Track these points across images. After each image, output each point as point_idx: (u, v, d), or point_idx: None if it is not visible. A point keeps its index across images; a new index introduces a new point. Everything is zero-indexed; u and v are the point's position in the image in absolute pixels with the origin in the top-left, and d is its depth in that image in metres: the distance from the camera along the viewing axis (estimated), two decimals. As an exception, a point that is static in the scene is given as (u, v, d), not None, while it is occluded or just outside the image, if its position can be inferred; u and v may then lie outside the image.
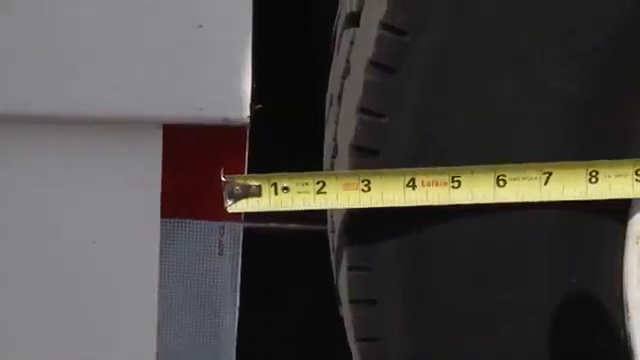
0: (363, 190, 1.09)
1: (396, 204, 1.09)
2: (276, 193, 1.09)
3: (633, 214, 1.14)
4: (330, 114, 1.26)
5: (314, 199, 1.09)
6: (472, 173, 1.08)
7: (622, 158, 1.09)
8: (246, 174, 1.16)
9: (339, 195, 1.09)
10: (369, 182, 1.09)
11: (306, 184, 1.09)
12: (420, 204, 1.09)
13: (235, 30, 1.10)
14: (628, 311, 1.16)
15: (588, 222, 1.14)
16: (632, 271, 1.15)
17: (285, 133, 1.42)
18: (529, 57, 1.08)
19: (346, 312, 1.23)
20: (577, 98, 1.09)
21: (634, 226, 1.14)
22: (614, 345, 1.19)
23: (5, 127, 1.15)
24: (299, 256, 1.56)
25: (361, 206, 1.10)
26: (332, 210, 1.24)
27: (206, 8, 1.09)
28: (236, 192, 1.09)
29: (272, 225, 1.58)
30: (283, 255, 1.71)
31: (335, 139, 1.22)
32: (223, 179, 1.08)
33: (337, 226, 1.21)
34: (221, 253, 1.22)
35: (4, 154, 1.16)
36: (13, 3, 1.07)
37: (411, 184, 1.09)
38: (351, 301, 1.20)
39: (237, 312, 1.25)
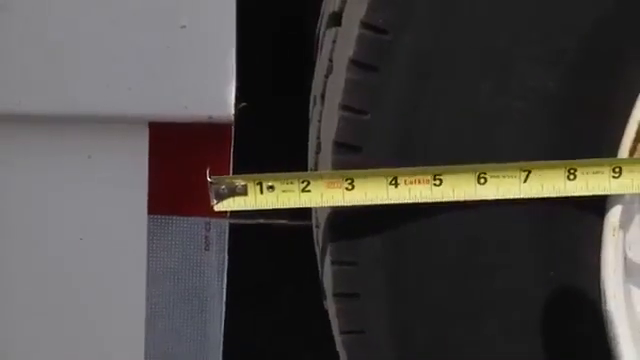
0: (347, 189, 1.09)
1: (379, 202, 1.09)
2: (262, 192, 1.09)
3: (610, 208, 1.13)
4: (314, 112, 1.26)
5: (299, 197, 1.09)
6: (454, 171, 1.08)
7: (598, 153, 1.10)
8: (231, 173, 1.16)
9: (323, 194, 1.09)
10: (352, 181, 1.09)
11: (291, 183, 1.09)
12: (403, 202, 1.09)
13: (219, 30, 1.10)
14: (606, 300, 1.16)
15: (568, 216, 1.14)
16: (609, 262, 1.15)
17: (276, 131, 1.39)
18: (510, 56, 1.07)
19: (330, 305, 1.23)
20: (555, 96, 1.09)
21: (610, 219, 1.14)
22: (595, 332, 1.18)
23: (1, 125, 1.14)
24: (287, 251, 1.54)
25: (345, 204, 1.10)
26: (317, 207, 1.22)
27: (190, 9, 1.08)
28: (222, 191, 1.09)
29: (260, 221, 1.56)
30: (272, 250, 1.68)
31: (319, 137, 1.21)
32: (209, 179, 1.08)
33: (321, 222, 1.21)
34: (207, 248, 1.21)
35: (5, 151, 1.17)
36: (5, 2, 1.06)
37: (394, 182, 1.08)
38: (335, 294, 1.20)
39: (224, 306, 1.24)
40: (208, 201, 1.12)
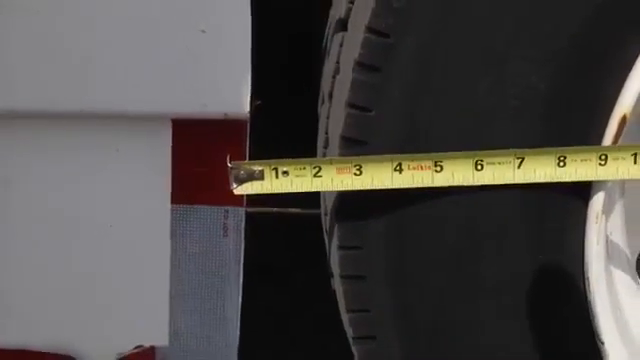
0: (355, 174, 1.09)
1: (385, 186, 1.09)
2: (277, 177, 1.09)
3: (594, 194, 1.14)
4: (322, 110, 1.26)
5: (311, 182, 1.09)
6: (453, 158, 1.08)
7: (585, 145, 1.10)
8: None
9: (333, 178, 1.09)
10: (361, 167, 1.08)
11: (303, 168, 1.09)
12: (406, 186, 1.09)
13: (235, 35, 1.10)
14: (589, 282, 1.16)
15: (556, 204, 1.14)
16: (592, 247, 1.15)
17: (288, 127, 1.39)
18: (506, 55, 1.08)
19: (337, 286, 1.24)
20: (546, 93, 1.09)
21: (594, 206, 1.14)
22: (580, 312, 1.19)
23: (33, 123, 1.15)
24: (299, 237, 1.54)
25: (353, 188, 1.10)
26: (325, 195, 1.23)
27: (208, 15, 1.09)
28: (241, 176, 1.09)
29: (275, 210, 1.56)
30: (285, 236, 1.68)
31: (327, 132, 1.22)
32: (229, 165, 1.08)
33: (329, 209, 1.21)
34: (225, 235, 1.22)
35: (35, 148, 1.16)
36: (43, 7, 1.07)
37: (398, 168, 1.08)
38: (341, 276, 1.20)
39: (240, 286, 1.25)
40: (226, 191, 1.12)
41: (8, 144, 1.15)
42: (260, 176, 1.09)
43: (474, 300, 1.18)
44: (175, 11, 1.08)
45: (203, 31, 1.09)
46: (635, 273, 1.36)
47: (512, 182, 1.08)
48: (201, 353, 1.27)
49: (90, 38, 1.09)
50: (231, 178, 1.09)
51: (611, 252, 1.22)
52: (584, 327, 1.18)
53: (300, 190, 1.09)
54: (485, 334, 1.20)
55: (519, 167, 1.08)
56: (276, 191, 1.09)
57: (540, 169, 1.08)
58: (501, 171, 1.08)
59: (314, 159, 1.13)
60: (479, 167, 1.07)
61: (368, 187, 1.09)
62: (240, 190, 1.09)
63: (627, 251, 1.35)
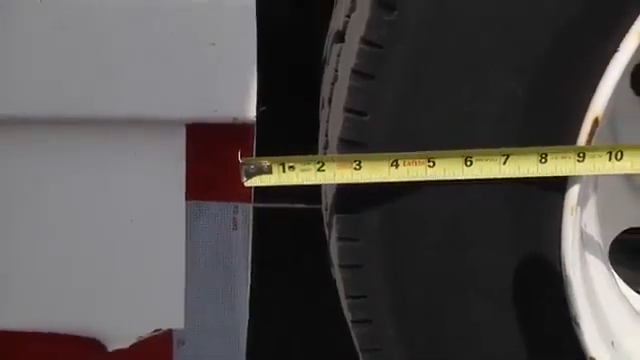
0: (355, 169, 1.09)
1: (382, 180, 1.10)
2: (284, 171, 1.10)
3: (569, 188, 1.15)
4: (322, 114, 1.27)
5: (315, 176, 1.10)
6: (445, 155, 1.09)
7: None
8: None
9: (335, 173, 1.10)
10: (360, 162, 1.09)
11: (308, 163, 1.10)
12: (402, 180, 1.10)
13: (242, 47, 1.11)
14: (565, 268, 1.18)
15: (537, 197, 1.15)
16: (568, 236, 1.17)
17: (291, 130, 1.40)
18: (488, 64, 1.09)
19: (337, 274, 1.25)
20: (524, 98, 1.10)
21: (570, 200, 1.15)
22: (557, 296, 1.20)
23: (64, 128, 1.16)
24: (302, 230, 1.55)
25: (353, 182, 1.10)
26: (326, 192, 1.24)
27: (218, 30, 1.10)
28: (251, 170, 1.10)
29: (281, 205, 1.56)
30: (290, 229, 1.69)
31: (327, 135, 1.23)
32: (240, 160, 1.10)
33: (329, 205, 1.22)
34: (235, 228, 1.23)
35: (65, 151, 1.17)
36: (71, 23, 1.09)
37: (395, 164, 1.09)
38: (340, 266, 1.22)
39: (249, 275, 1.26)
40: (236, 188, 1.13)
41: (43, 147, 1.16)
42: (268, 170, 1.10)
43: (461, 285, 1.20)
44: (188, 27, 1.09)
45: (213, 44, 1.10)
46: (608, 261, 1.38)
47: (498, 177, 1.09)
48: (214, 333, 1.29)
49: (115, 53, 1.10)
50: (242, 172, 1.10)
51: (585, 242, 1.24)
52: (561, 310, 1.20)
53: (305, 182, 1.10)
54: (471, 315, 1.21)
55: (504, 163, 1.09)
56: (283, 184, 1.10)
57: (524, 165, 1.09)
58: (488, 167, 1.09)
59: (317, 156, 1.16)
60: (468, 163, 1.08)
61: (367, 180, 1.09)
62: (250, 183, 1.10)
63: (600, 241, 1.36)
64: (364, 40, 1.09)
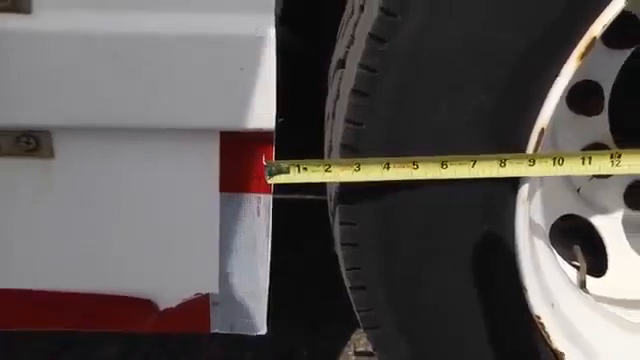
0: (355, 170, 1.09)
1: (376, 179, 1.09)
2: (299, 171, 1.10)
3: (521, 186, 1.13)
4: (327, 125, 1.26)
5: (323, 175, 1.10)
6: (426, 160, 1.08)
7: (522, 152, 1.10)
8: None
9: (339, 173, 1.10)
10: (359, 165, 1.09)
11: (318, 166, 1.10)
12: (392, 179, 1.09)
13: (264, 71, 1.07)
14: (517, 246, 1.17)
15: (498, 190, 1.13)
16: (520, 222, 1.15)
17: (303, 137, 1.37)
18: (460, 85, 1.07)
19: (338, 251, 1.24)
20: (491, 112, 1.08)
21: (521, 193, 1.14)
22: (511, 268, 1.18)
23: (116, 134, 1.12)
24: (311, 216, 1.51)
25: (353, 180, 1.10)
26: (330, 185, 1.23)
27: (245, 56, 1.06)
28: (273, 171, 1.10)
29: (295, 196, 1.53)
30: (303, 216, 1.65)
31: (331, 141, 1.22)
32: (264, 162, 1.10)
33: (333, 196, 1.21)
34: (258, 215, 1.20)
35: (123, 153, 1.14)
36: (124, 51, 1.04)
37: (386, 167, 1.08)
38: (341, 244, 1.20)
39: (269, 251, 1.23)
40: (259, 182, 1.13)
41: (114, 150, 1.13)
42: (287, 171, 1.10)
43: (436, 260, 1.18)
44: (222, 55, 1.06)
45: (242, 69, 1.07)
46: (548, 241, 1.36)
47: (468, 177, 1.08)
48: (241, 297, 1.26)
49: (169, 77, 1.07)
50: (265, 172, 1.11)
51: (532, 226, 1.22)
52: (514, 278, 1.18)
53: (315, 181, 1.10)
54: (443, 283, 1.19)
55: (473, 167, 1.08)
56: (297, 181, 1.10)
57: (487, 169, 1.08)
58: (460, 170, 1.08)
59: (325, 159, 1.16)
60: (445, 166, 1.08)
61: (364, 179, 1.09)
62: (272, 181, 1.11)
63: (543, 226, 1.35)
64: (361, 66, 1.07)
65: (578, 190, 1.46)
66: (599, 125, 1.38)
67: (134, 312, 1.26)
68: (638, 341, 1.34)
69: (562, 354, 1.22)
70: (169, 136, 1.12)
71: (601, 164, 1.07)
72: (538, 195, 1.32)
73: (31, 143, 1.10)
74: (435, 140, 1.09)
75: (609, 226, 1.48)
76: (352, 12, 1.15)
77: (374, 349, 1.28)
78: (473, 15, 1.01)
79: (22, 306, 1.25)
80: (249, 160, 1.14)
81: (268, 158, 1.13)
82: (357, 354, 1.72)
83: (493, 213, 1.14)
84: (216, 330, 1.29)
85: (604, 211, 1.48)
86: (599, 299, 1.42)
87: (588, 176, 1.45)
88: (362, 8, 1.09)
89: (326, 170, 1.09)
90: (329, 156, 1.23)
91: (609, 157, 1.06)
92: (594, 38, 1.03)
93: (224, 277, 1.24)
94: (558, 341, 1.22)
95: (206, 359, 1.73)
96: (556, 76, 1.05)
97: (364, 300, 1.22)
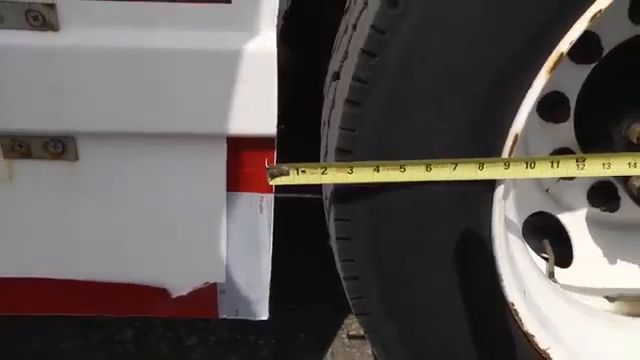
0: (348, 172, 1.09)
1: (368, 181, 1.09)
2: (298, 174, 1.09)
3: (497, 187, 1.14)
4: (323, 132, 1.26)
5: (320, 177, 1.10)
6: (412, 163, 1.07)
7: (498, 156, 1.10)
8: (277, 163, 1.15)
9: (335, 175, 1.09)
10: (352, 168, 1.09)
11: (315, 169, 1.09)
12: (381, 181, 1.09)
13: (267, 83, 1.08)
14: (494, 240, 1.17)
15: (477, 188, 1.12)
16: (495, 219, 1.16)
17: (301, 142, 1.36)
18: (442, 95, 1.05)
19: (333, 245, 1.24)
20: (470, 119, 1.07)
21: (497, 193, 1.14)
22: (488, 260, 1.18)
23: (134, 139, 1.11)
24: (309, 213, 1.51)
25: (347, 182, 1.10)
26: (326, 187, 1.22)
27: (249, 69, 1.06)
28: (274, 173, 1.09)
29: (294, 195, 1.52)
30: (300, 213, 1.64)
31: (326, 147, 1.22)
32: (266, 166, 1.10)
33: (328, 195, 1.21)
34: (261, 212, 1.19)
35: (140, 156, 1.13)
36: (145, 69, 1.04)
37: (377, 169, 1.08)
38: (336, 238, 1.20)
39: (271, 245, 1.23)
40: (262, 182, 1.12)
41: (136, 154, 1.13)
42: (287, 173, 1.10)
43: (421, 252, 1.18)
44: (227, 68, 1.06)
45: (245, 81, 1.07)
46: (521, 235, 1.36)
47: (450, 179, 1.09)
48: (246, 286, 1.26)
49: (181, 89, 1.07)
50: (267, 174, 1.10)
51: (507, 222, 1.23)
52: (491, 269, 1.19)
53: (313, 182, 1.10)
54: (428, 273, 1.19)
55: (454, 169, 1.08)
56: (297, 183, 1.10)
57: (467, 172, 1.08)
58: (442, 172, 1.08)
59: (322, 163, 1.15)
60: (429, 169, 1.08)
61: (357, 181, 1.09)
62: (273, 182, 1.10)
63: (517, 222, 1.35)
64: (354, 78, 1.06)
65: (547, 190, 1.47)
66: (566, 132, 1.39)
67: (150, 299, 1.26)
68: (596, 323, 1.37)
69: (532, 336, 1.23)
70: (181, 141, 1.12)
71: (568, 167, 1.08)
72: (512, 195, 1.32)
73: (58, 147, 1.10)
74: (419, 146, 1.09)
75: (575, 222, 1.49)
76: (346, 30, 1.16)
77: (365, 332, 1.29)
78: (456, 34, 1.01)
79: (55, 293, 1.24)
80: (253, 162, 1.14)
81: (270, 161, 1.13)
82: (350, 337, 1.73)
83: (472, 211, 1.14)
84: (223, 315, 1.29)
85: (570, 209, 1.49)
86: (565, 287, 1.43)
87: (556, 178, 1.46)
88: (355, 27, 1.10)
89: (323, 172, 1.08)
90: (325, 160, 1.23)
91: (575, 161, 1.08)
92: (562, 54, 1.05)
93: (230, 268, 1.24)
94: (529, 324, 1.23)
95: (213, 341, 1.74)
96: (528, 88, 1.06)
97: (356, 289, 1.21)
